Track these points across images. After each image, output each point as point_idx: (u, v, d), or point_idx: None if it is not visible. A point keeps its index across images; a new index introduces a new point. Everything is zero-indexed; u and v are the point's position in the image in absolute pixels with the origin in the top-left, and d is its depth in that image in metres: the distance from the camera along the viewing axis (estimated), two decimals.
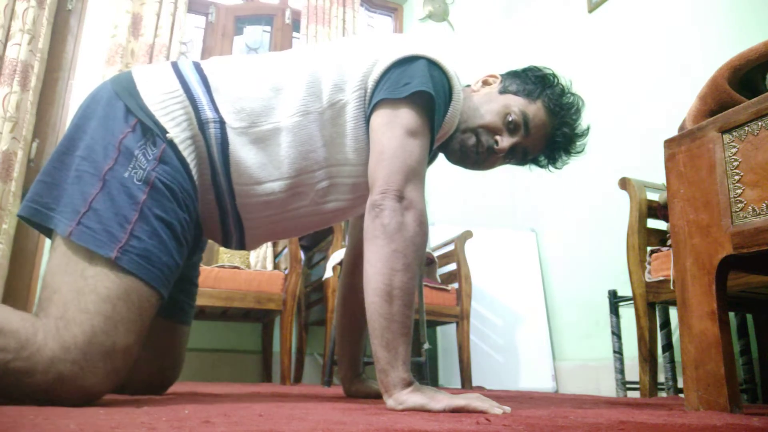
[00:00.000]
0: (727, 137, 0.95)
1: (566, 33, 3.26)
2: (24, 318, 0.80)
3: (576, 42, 3.17)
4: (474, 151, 1.12)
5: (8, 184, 2.43)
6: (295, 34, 3.43)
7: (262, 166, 1.01)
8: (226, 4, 3.29)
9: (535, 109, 1.12)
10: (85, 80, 2.81)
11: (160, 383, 1.16)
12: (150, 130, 0.93)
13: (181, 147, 0.95)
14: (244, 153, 1.00)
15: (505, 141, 1.11)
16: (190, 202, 0.97)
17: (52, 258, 0.87)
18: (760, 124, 0.90)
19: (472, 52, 3.58)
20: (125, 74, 1.01)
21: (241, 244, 1.12)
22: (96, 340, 0.80)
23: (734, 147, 0.93)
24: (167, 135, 0.94)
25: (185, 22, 2.97)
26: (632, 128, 2.69)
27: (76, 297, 0.82)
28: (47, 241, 2.62)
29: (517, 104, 1.11)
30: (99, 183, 0.87)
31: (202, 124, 0.98)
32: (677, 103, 2.39)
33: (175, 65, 1.03)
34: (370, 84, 1.00)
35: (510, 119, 1.10)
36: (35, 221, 0.90)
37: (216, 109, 0.99)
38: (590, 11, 3.09)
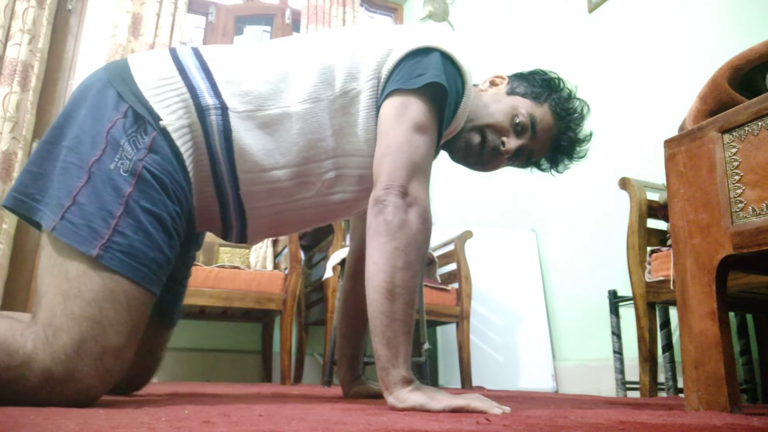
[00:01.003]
0: (727, 137, 0.95)
1: (566, 33, 3.26)
2: (13, 327, 0.79)
3: (576, 42, 3.17)
4: (479, 150, 1.12)
5: (8, 184, 2.43)
6: (295, 34, 3.43)
7: (267, 152, 0.98)
8: (226, 4, 3.29)
9: (542, 112, 1.12)
10: None
11: (135, 384, 1.15)
12: (142, 118, 0.90)
13: (174, 136, 0.91)
14: (248, 139, 0.97)
15: (511, 142, 1.11)
16: (182, 194, 0.93)
17: (41, 258, 0.85)
18: (760, 124, 0.90)
19: (472, 52, 3.57)
20: (120, 61, 0.98)
21: (242, 236, 1.09)
22: (85, 346, 0.79)
23: (734, 147, 0.93)
24: (160, 122, 0.90)
25: (185, 22, 2.97)
26: (632, 128, 2.69)
27: (62, 302, 0.80)
28: None
29: (524, 106, 1.11)
30: (85, 175, 0.84)
31: (201, 111, 0.94)
32: (677, 103, 2.39)
33: (173, 51, 1.00)
34: (384, 73, 0.99)
35: (518, 120, 1.10)
36: (20, 211, 0.87)
37: (217, 95, 0.96)
38: (590, 11, 3.09)
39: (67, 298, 0.80)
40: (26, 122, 2.53)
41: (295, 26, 3.42)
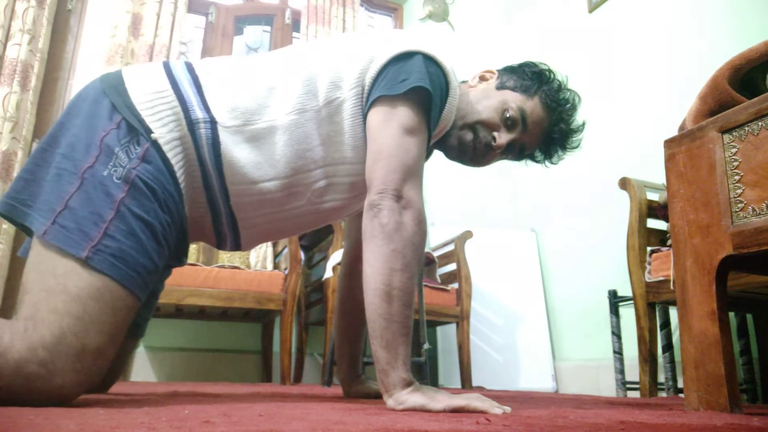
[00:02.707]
0: (727, 137, 0.95)
1: (566, 33, 3.26)
2: None
3: (576, 42, 3.17)
4: (472, 147, 1.12)
5: (8, 184, 2.43)
6: (295, 34, 3.43)
7: (256, 165, 1.00)
8: (226, 4, 3.29)
9: (532, 105, 1.12)
10: (85, 80, 2.81)
11: (97, 388, 1.16)
12: (135, 129, 0.91)
13: (165, 148, 0.93)
14: (237, 152, 0.98)
15: (502, 137, 1.11)
16: (173, 204, 0.94)
17: (29, 258, 0.85)
18: (760, 124, 0.90)
19: (472, 52, 3.58)
20: (115, 73, 1.00)
21: (237, 245, 1.10)
22: (65, 341, 0.79)
23: (734, 147, 0.93)
24: (152, 135, 0.92)
25: (185, 22, 2.97)
26: (632, 128, 2.69)
27: (46, 297, 0.80)
28: None
29: (514, 100, 1.11)
30: (77, 181, 0.86)
31: (191, 125, 0.96)
32: (677, 103, 2.39)
33: (166, 65, 1.02)
34: (368, 81, 0.99)
35: (508, 115, 1.10)
36: (11, 218, 0.88)
37: (207, 109, 0.97)
38: (590, 11, 3.09)
39: (51, 294, 0.80)
40: (26, 122, 2.53)
41: (295, 26, 3.42)
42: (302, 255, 2.66)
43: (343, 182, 1.05)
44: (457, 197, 3.34)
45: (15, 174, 2.45)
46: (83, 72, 2.83)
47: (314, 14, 3.21)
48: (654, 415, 0.84)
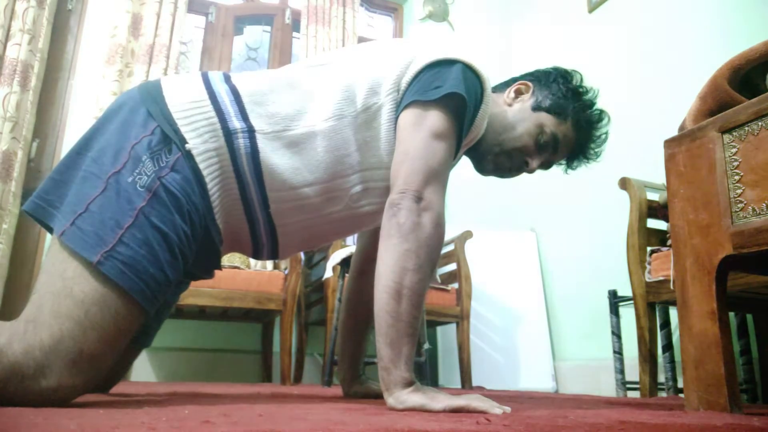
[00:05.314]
0: (727, 137, 0.95)
1: (566, 33, 3.26)
2: None
3: (576, 42, 3.17)
4: (507, 169, 1.18)
5: (8, 184, 2.43)
6: (295, 34, 3.43)
7: (295, 170, 1.00)
8: (226, 4, 3.29)
9: (565, 129, 1.16)
10: (85, 80, 2.81)
11: (99, 389, 1.17)
12: (168, 138, 0.92)
13: (199, 159, 0.93)
14: (276, 159, 0.99)
15: (535, 162, 1.16)
16: (196, 216, 0.94)
17: (45, 258, 0.86)
18: (760, 124, 0.90)
19: (472, 52, 3.57)
20: (154, 82, 1.01)
21: (274, 253, 1.11)
22: (62, 345, 0.78)
23: (734, 147, 0.93)
24: (186, 146, 0.92)
25: (185, 22, 2.98)
26: (632, 128, 2.69)
27: (51, 299, 0.80)
28: (47, 241, 2.62)
29: (549, 125, 1.15)
30: (101, 185, 0.86)
31: (229, 135, 0.96)
32: (677, 103, 2.39)
33: (204, 76, 1.03)
34: (403, 85, 1.01)
35: (542, 141, 1.14)
36: (37, 217, 0.89)
37: (245, 118, 0.98)
38: (590, 11, 3.09)
39: (56, 297, 0.80)
40: (26, 122, 2.53)
41: (295, 26, 3.42)
42: (302, 255, 2.66)
43: (378, 186, 1.06)
44: (457, 197, 3.34)
45: (15, 174, 2.45)
46: (83, 72, 2.83)
47: (314, 14, 3.22)
48: (654, 415, 0.84)
